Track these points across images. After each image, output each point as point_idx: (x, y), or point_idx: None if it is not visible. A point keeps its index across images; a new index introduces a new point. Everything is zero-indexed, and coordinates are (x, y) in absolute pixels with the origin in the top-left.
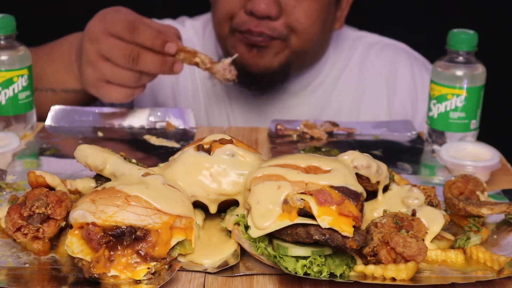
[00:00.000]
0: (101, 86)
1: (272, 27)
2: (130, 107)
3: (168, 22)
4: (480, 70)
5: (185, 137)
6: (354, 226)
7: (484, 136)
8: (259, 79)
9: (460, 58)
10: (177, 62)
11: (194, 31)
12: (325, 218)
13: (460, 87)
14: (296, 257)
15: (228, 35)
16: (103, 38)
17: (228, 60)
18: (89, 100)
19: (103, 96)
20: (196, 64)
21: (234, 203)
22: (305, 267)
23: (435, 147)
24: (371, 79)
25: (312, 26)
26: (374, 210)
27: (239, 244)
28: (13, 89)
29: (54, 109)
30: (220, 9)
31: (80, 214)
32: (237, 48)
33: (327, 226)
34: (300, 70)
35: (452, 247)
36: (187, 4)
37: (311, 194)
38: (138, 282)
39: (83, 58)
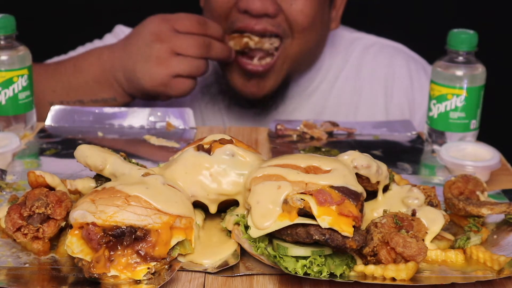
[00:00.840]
0: (171, 81)
1: (276, 23)
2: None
3: None
4: (480, 70)
5: (185, 137)
6: (354, 226)
7: (484, 136)
8: (257, 102)
9: (460, 58)
10: (232, 49)
11: None
12: (325, 218)
13: (460, 87)
14: (296, 257)
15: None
16: (173, 36)
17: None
18: (118, 105)
19: (172, 91)
20: (246, 45)
21: (234, 203)
22: (305, 267)
23: (435, 147)
24: (369, 81)
25: (311, 25)
26: (374, 210)
27: (239, 244)
28: (13, 89)
29: (54, 109)
30: (213, 10)
31: (80, 214)
32: (234, 79)
33: (327, 226)
34: (297, 74)
35: (452, 247)
36: (182, 6)
37: (311, 194)
38: (138, 282)
39: (151, 60)
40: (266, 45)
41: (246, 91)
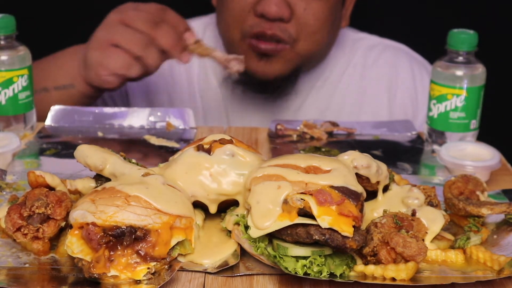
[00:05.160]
0: (107, 47)
1: (284, 28)
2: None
3: None
4: (480, 70)
5: (185, 137)
6: (354, 226)
7: (484, 136)
8: (268, 85)
9: (460, 58)
10: (188, 53)
11: None
12: (325, 218)
13: (460, 87)
14: (296, 257)
15: (238, 40)
16: (118, 27)
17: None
18: (79, 97)
19: (103, 59)
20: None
21: (234, 203)
22: (305, 267)
23: (435, 147)
24: (372, 81)
25: (321, 28)
26: (374, 210)
27: (239, 244)
28: (13, 89)
29: (54, 109)
30: (229, 13)
31: (80, 214)
32: (247, 58)
33: (327, 226)
34: (305, 71)
35: (452, 247)
36: (185, 6)
37: (311, 194)
38: (138, 282)
39: (100, 27)
40: (219, 56)
41: (258, 70)
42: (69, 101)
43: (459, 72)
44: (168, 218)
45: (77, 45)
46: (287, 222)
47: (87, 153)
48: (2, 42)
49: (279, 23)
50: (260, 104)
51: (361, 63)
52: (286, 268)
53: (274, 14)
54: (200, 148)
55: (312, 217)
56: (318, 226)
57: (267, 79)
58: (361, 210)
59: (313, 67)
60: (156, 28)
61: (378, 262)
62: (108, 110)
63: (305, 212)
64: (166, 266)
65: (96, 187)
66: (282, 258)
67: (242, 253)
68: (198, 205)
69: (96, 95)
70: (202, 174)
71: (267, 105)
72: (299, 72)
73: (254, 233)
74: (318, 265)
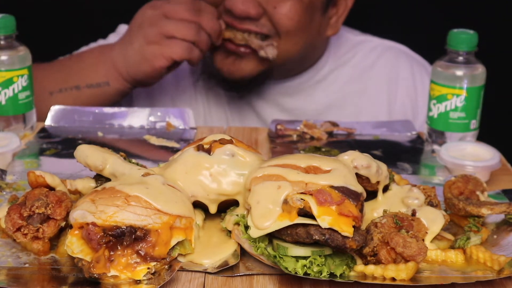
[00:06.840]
0: (162, 41)
1: (259, 24)
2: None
3: None
4: (480, 70)
5: (185, 137)
6: (354, 226)
7: (484, 136)
8: (235, 84)
9: (460, 58)
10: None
11: None
12: (325, 218)
13: (460, 87)
14: (296, 257)
15: None
16: (163, 20)
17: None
18: (113, 94)
19: (163, 50)
20: (229, 37)
21: (234, 203)
22: (305, 267)
23: (435, 147)
24: (372, 82)
25: (295, 28)
26: (374, 210)
27: (239, 244)
28: (13, 89)
29: (54, 109)
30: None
31: (80, 214)
32: (216, 54)
33: (327, 226)
34: (289, 75)
35: (452, 247)
36: None
37: (311, 194)
38: (138, 282)
39: (143, 41)
40: (255, 42)
41: (223, 69)
42: (101, 98)
43: (459, 72)
44: (168, 218)
45: (95, 45)
46: (287, 222)
47: (87, 153)
48: (2, 42)
49: (249, 20)
50: (253, 106)
51: (361, 64)
52: (286, 268)
53: (239, 13)
54: (200, 148)
55: (312, 217)
56: (318, 226)
57: (232, 79)
58: (361, 210)
59: (302, 72)
60: (200, 15)
61: (378, 262)
62: (108, 110)
63: (305, 212)
64: (166, 266)
65: (96, 187)
66: (282, 258)
67: (242, 253)
68: (198, 205)
69: (129, 92)
70: (202, 174)
71: (259, 107)
72: (270, 74)
73: (254, 233)
74: (318, 265)
